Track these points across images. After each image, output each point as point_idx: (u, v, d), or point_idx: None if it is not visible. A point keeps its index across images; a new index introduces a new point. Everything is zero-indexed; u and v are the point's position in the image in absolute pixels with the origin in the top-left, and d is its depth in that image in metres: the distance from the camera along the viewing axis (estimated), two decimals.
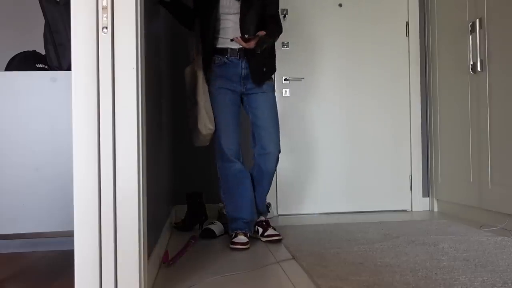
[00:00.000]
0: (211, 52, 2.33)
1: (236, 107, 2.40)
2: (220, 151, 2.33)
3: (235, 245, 2.22)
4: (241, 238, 2.24)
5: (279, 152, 2.42)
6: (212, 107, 2.33)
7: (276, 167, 2.43)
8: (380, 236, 2.37)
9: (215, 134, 2.33)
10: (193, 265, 1.91)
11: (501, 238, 2.27)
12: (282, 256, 2.04)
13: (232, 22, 2.32)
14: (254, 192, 2.46)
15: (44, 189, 1.41)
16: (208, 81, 2.34)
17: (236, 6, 2.31)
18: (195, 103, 2.29)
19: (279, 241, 2.32)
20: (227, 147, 2.32)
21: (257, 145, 2.42)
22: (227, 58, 2.33)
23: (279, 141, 2.42)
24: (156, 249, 1.80)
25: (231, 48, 2.32)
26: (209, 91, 2.34)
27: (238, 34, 2.26)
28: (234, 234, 2.28)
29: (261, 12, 2.36)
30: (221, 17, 2.31)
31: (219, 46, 2.33)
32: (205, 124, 2.25)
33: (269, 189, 2.51)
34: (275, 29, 2.37)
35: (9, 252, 2.20)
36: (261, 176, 2.43)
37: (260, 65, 2.35)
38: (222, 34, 2.33)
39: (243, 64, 2.33)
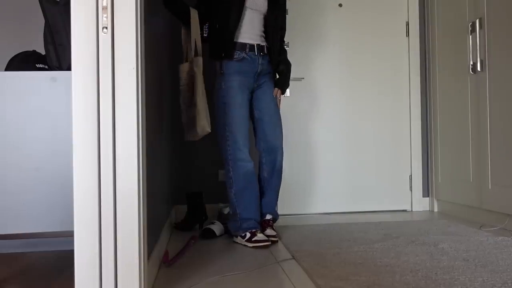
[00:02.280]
0: (231, 46, 2.32)
1: (249, 106, 2.43)
2: (237, 149, 2.31)
3: (259, 242, 2.21)
4: (261, 236, 2.24)
5: (282, 146, 2.49)
6: (226, 103, 2.32)
7: (283, 163, 2.49)
8: (380, 236, 2.37)
9: (230, 132, 2.31)
10: (193, 265, 1.91)
11: (501, 238, 2.27)
12: (282, 256, 2.04)
13: (256, 18, 2.38)
14: (265, 192, 2.47)
15: (44, 189, 1.41)
16: (223, 75, 2.34)
17: (262, 4, 2.39)
18: (193, 105, 2.28)
19: (274, 242, 2.31)
20: (245, 146, 2.33)
21: (262, 142, 2.43)
22: (245, 53, 2.35)
23: (282, 136, 2.49)
24: (156, 249, 1.80)
25: (250, 44, 2.35)
26: (225, 86, 2.33)
27: (257, 31, 2.39)
28: (250, 233, 2.26)
29: (280, 18, 2.51)
30: (246, 11, 2.34)
31: (240, 41, 2.35)
32: (204, 128, 2.24)
33: (279, 188, 2.51)
34: (287, 67, 2.56)
35: (9, 252, 2.19)
36: (271, 175, 2.45)
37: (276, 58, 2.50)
38: (244, 29, 2.35)
39: (259, 60, 2.39)
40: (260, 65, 2.40)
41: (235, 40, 2.33)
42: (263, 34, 2.44)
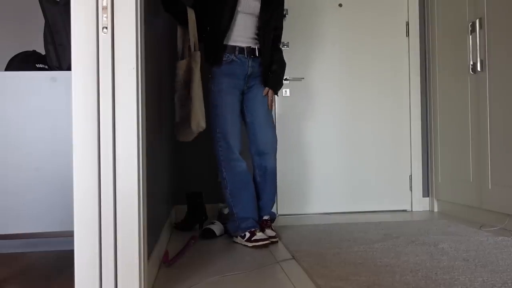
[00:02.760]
0: (221, 48, 2.31)
1: (240, 107, 2.43)
2: (229, 150, 2.33)
3: (259, 242, 2.21)
4: (260, 235, 2.25)
5: (276, 149, 2.49)
6: (217, 105, 2.33)
7: (276, 163, 2.49)
8: (380, 236, 2.37)
9: (221, 133, 2.32)
10: (193, 265, 1.91)
11: (501, 238, 2.27)
12: (282, 256, 2.04)
13: (249, 21, 2.36)
14: (260, 196, 2.47)
15: (44, 189, 1.41)
16: (212, 78, 2.35)
17: (255, 7, 2.36)
18: (188, 100, 2.27)
19: (275, 243, 2.31)
20: (236, 146, 2.34)
21: (253, 146, 2.44)
22: (235, 56, 2.35)
23: (276, 139, 2.49)
24: (156, 249, 1.80)
25: (239, 46, 2.34)
26: (215, 89, 2.35)
27: (250, 34, 2.37)
28: (250, 233, 2.26)
29: (275, 19, 2.47)
30: (237, 15, 2.32)
31: (229, 43, 2.34)
32: (199, 123, 2.23)
33: (275, 187, 2.52)
34: (280, 67, 2.52)
35: (9, 252, 2.20)
36: (264, 179, 2.46)
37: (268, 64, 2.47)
38: (235, 32, 2.34)
39: (249, 62, 2.38)
40: (250, 67, 2.39)
41: (224, 43, 2.33)
42: (256, 37, 2.42)
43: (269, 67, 2.47)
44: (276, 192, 3.25)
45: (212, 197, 3.08)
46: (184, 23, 2.32)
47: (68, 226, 1.37)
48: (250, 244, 2.24)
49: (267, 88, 2.46)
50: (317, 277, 1.64)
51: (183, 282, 1.67)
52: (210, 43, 2.35)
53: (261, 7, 2.39)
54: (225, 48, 2.33)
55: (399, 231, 2.51)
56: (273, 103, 2.52)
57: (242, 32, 2.36)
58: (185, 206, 3.04)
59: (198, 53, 2.26)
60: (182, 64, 2.31)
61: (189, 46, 2.29)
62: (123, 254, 1.30)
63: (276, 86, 2.49)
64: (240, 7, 2.32)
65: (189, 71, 2.28)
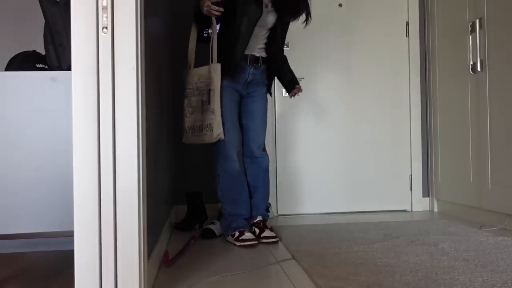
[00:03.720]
0: (235, 60, 2.30)
1: (238, 108, 2.45)
2: (227, 150, 2.34)
3: (245, 242, 2.23)
4: (248, 235, 2.27)
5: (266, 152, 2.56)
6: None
7: (268, 166, 2.54)
8: (380, 236, 2.37)
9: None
10: (193, 265, 1.91)
11: (501, 238, 2.27)
12: (282, 256, 2.04)
13: (260, 32, 2.38)
14: (253, 194, 2.48)
15: (44, 189, 1.41)
16: None
17: (271, 21, 2.39)
18: (210, 112, 2.25)
19: (275, 243, 2.31)
20: (234, 147, 2.36)
21: (245, 148, 2.48)
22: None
23: (264, 145, 2.54)
24: (156, 249, 1.80)
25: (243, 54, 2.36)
26: None
27: (258, 45, 2.40)
28: (238, 232, 2.28)
29: (286, 31, 2.54)
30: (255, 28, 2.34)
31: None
32: (219, 134, 2.24)
33: (267, 189, 2.54)
34: (288, 65, 2.67)
35: (9, 252, 2.20)
36: (257, 178, 2.48)
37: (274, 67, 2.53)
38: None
39: (251, 70, 2.40)
40: (251, 74, 2.40)
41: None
42: (264, 46, 2.44)
43: (284, 75, 2.60)
44: (276, 193, 3.27)
45: (212, 197, 3.07)
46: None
47: (68, 226, 1.37)
48: (238, 243, 2.26)
49: (297, 87, 2.58)
50: (317, 277, 1.64)
51: (183, 282, 1.67)
52: (222, 52, 2.31)
53: (276, 21, 2.40)
54: (240, 58, 2.33)
55: (399, 231, 2.51)
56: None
57: (253, 43, 2.37)
58: (185, 206, 3.04)
59: (219, 65, 2.25)
60: (199, 71, 2.30)
61: (213, 56, 2.29)
62: (123, 254, 1.30)
63: (298, 83, 2.64)
64: (260, 22, 2.33)
65: (208, 80, 2.26)
